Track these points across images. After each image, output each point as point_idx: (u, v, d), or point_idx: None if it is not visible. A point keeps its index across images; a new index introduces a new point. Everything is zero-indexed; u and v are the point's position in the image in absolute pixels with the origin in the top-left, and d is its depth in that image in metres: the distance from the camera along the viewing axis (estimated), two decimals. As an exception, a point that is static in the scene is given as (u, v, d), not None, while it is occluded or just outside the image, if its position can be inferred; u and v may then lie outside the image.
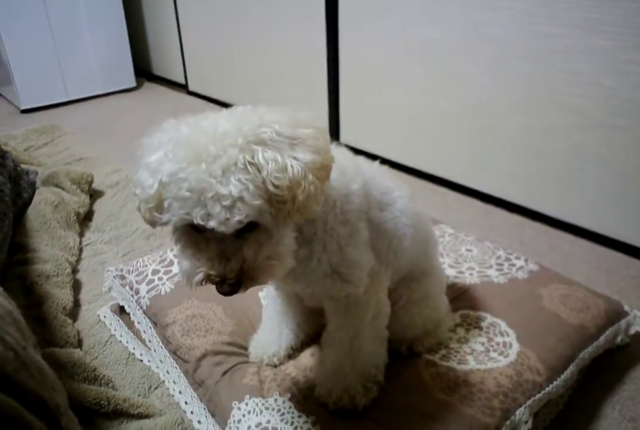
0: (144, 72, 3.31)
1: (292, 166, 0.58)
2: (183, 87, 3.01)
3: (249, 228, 0.60)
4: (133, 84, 3.07)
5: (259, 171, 0.57)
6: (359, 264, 0.77)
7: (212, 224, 0.57)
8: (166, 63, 3.13)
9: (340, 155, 0.73)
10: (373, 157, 1.92)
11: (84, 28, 2.80)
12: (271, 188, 0.57)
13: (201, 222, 0.57)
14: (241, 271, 0.60)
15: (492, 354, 0.92)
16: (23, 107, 2.71)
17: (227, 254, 0.60)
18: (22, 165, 1.66)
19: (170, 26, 2.88)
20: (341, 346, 0.84)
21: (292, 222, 0.64)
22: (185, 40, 2.83)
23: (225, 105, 2.62)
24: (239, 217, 0.56)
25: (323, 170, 0.62)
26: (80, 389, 0.90)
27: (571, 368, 0.91)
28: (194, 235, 0.62)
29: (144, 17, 3.12)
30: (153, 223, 0.64)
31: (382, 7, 1.71)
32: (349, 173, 0.76)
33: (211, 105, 2.73)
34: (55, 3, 2.66)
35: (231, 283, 0.60)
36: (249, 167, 0.56)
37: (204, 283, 0.62)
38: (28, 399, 0.44)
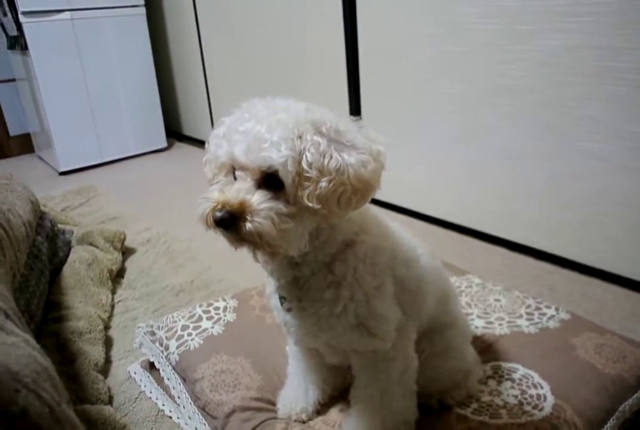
0: (174, 133, 3.46)
1: (331, 156, 0.63)
2: (211, 146, 3.13)
3: (271, 185, 0.64)
4: (164, 144, 3.21)
5: (300, 144, 0.63)
6: (387, 318, 0.77)
7: (242, 158, 0.64)
8: (195, 123, 3.28)
9: (374, 210, 0.77)
10: (396, 208, 1.96)
11: (119, 96, 2.98)
12: (304, 162, 0.63)
13: (238, 155, 0.64)
14: (242, 210, 0.63)
15: (525, 407, 0.89)
16: (61, 170, 2.85)
17: (240, 191, 0.65)
18: (59, 225, 1.73)
19: (199, 89, 3.04)
20: (370, 402, 0.83)
21: (310, 209, 0.65)
22: (213, 101, 2.97)
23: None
24: (266, 154, 0.62)
25: (363, 186, 0.65)
26: (110, 447, 0.90)
27: (611, 422, 0.87)
28: (230, 184, 0.68)
29: (174, 82, 3.30)
30: (212, 181, 0.72)
31: (400, 62, 1.79)
32: (381, 229, 0.79)
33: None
34: (94, 74, 2.85)
35: (228, 210, 0.63)
36: (295, 139, 0.63)
37: (208, 216, 0.65)
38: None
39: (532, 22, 1.40)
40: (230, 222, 0.64)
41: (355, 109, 2.01)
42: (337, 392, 0.97)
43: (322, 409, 0.95)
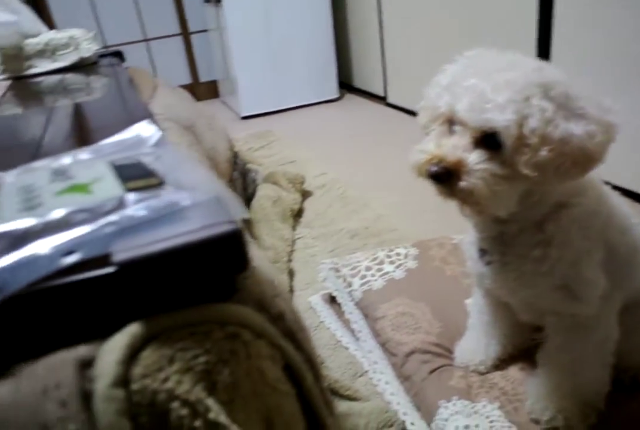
0: (346, 85, 3.51)
1: (557, 125, 0.60)
2: (382, 99, 3.13)
3: (488, 145, 0.63)
4: (336, 95, 3.28)
5: (526, 108, 0.60)
6: (593, 282, 0.74)
7: (464, 115, 0.63)
8: (367, 76, 3.28)
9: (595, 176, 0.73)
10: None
11: (298, 47, 3.07)
12: (527, 128, 0.60)
13: (459, 111, 0.64)
14: (458, 168, 0.64)
15: None
16: (243, 115, 3.06)
17: (457, 147, 0.65)
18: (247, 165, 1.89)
19: (373, 42, 3.02)
20: (561, 367, 0.81)
21: (523, 177, 0.63)
22: (387, 55, 2.94)
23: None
24: (490, 115, 0.61)
25: (585, 159, 0.61)
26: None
27: None
28: (445, 135, 0.68)
29: (349, 35, 3.32)
30: (426, 128, 0.73)
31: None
32: (597, 192, 0.74)
33: (409, 117, 2.79)
34: (277, 26, 2.97)
35: (444, 166, 0.64)
36: (521, 101, 0.60)
37: (421, 167, 0.67)
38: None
39: None
40: (444, 177, 0.64)
41: (543, 49, 1.83)
42: (517, 351, 0.96)
43: (500, 364, 0.95)
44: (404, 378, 0.96)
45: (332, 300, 1.21)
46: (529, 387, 0.87)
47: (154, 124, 0.60)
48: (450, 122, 0.68)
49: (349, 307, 1.13)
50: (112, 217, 0.37)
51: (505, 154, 0.63)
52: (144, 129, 0.58)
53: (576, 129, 0.60)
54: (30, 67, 1.33)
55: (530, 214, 0.72)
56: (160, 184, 0.42)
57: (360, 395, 0.97)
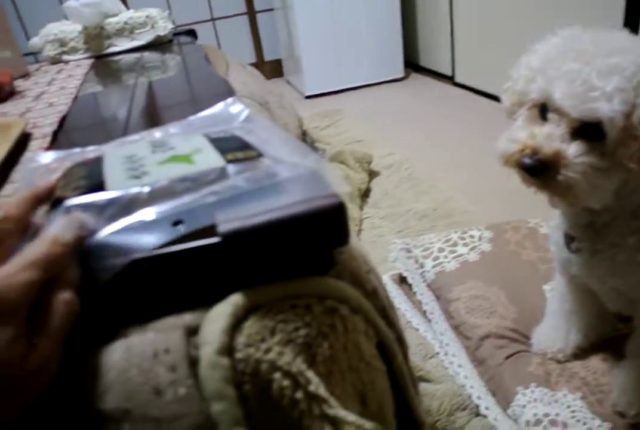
0: (411, 64, 3.42)
1: None
2: (449, 79, 3.03)
3: (587, 135, 0.59)
4: (401, 74, 3.20)
5: (635, 97, 0.55)
6: None
7: (563, 103, 0.58)
8: (434, 56, 3.18)
9: None
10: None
11: (363, 26, 3.01)
12: (635, 118, 0.55)
13: (558, 98, 0.58)
14: (555, 160, 0.59)
15: None
16: (307, 94, 3.05)
17: (553, 138, 0.60)
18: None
19: (443, 19, 2.92)
20: None
21: (623, 169, 0.59)
22: (456, 32, 2.84)
23: (491, 96, 2.56)
24: (595, 105, 0.56)
25: None
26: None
27: None
28: (535, 121, 0.64)
29: (416, 12, 3.22)
30: (511, 112, 0.69)
31: None
32: None
33: (476, 96, 2.69)
34: (342, 4, 2.91)
35: (539, 158, 0.60)
36: (631, 89, 0.55)
37: (511, 158, 0.63)
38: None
39: None
40: (539, 170, 0.60)
41: (632, 20, 1.70)
42: (599, 341, 0.92)
43: (580, 354, 0.91)
44: (478, 362, 0.94)
45: (401, 280, 1.20)
46: (614, 378, 0.83)
47: (240, 101, 0.60)
48: (542, 108, 0.64)
49: (420, 288, 1.11)
50: (215, 187, 0.37)
51: (607, 146, 0.58)
52: (231, 105, 0.58)
53: None
54: (110, 45, 1.37)
55: (626, 204, 0.67)
56: (258, 156, 0.41)
57: (432, 376, 0.96)
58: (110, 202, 0.37)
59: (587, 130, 0.59)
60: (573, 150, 0.59)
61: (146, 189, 0.37)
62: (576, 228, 0.74)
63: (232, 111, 0.57)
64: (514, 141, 0.64)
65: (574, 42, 0.61)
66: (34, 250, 0.31)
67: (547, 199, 0.67)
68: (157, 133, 0.53)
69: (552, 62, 0.60)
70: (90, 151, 0.48)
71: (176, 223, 0.35)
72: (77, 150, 0.49)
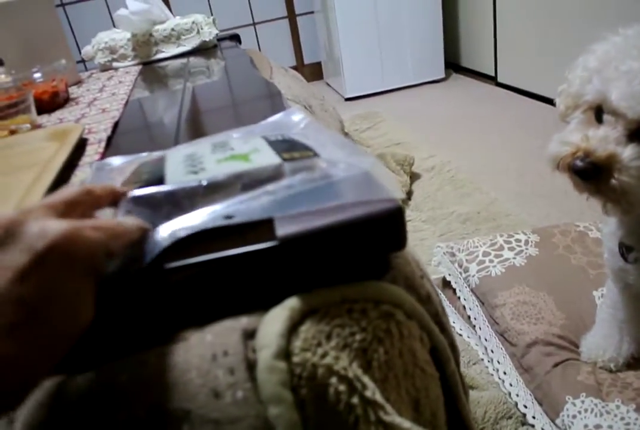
0: (451, 64, 3.38)
1: None
2: (491, 79, 2.98)
3: None
4: (442, 75, 3.17)
5: None
6: None
7: (620, 104, 0.56)
8: (476, 56, 3.14)
9: None
10: None
11: (405, 27, 3.00)
12: None
13: (615, 99, 0.56)
14: (609, 163, 0.57)
15: None
16: (347, 96, 3.05)
17: (608, 140, 0.58)
18: (355, 146, 1.88)
19: (485, 18, 2.87)
20: None
21: None
22: (499, 31, 2.79)
23: (534, 96, 2.50)
24: None
25: None
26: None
27: None
28: (590, 124, 0.62)
29: (458, 12, 3.18)
30: (564, 116, 0.67)
31: None
32: None
33: (519, 96, 2.64)
34: (384, 6, 2.91)
35: (592, 161, 0.57)
36: None
37: (563, 161, 0.61)
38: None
39: None
40: (592, 174, 0.58)
41: None
42: (655, 350, 0.89)
43: (634, 363, 0.88)
44: (524, 369, 0.91)
45: (444, 285, 1.18)
46: (670, 390, 0.80)
47: (303, 109, 0.60)
48: (598, 110, 0.61)
49: (464, 293, 1.10)
50: (270, 187, 0.38)
51: None
52: (292, 114, 0.59)
53: None
54: (157, 52, 1.40)
55: None
56: (314, 155, 0.42)
57: (476, 383, 0.95)
58: (168, 195, 0.38)
59: None
60: (628, 153, 0.57)
61: (203, 183, 0.38)
62: (633, 237, 0.71)
63: (294, 119, 0.58)
64: (566, 144, 0.62)
65: (634, 41, 0.59)
66: (102, 221, 0.34)
67: (599, 206, 0.65)
68: (220, 137, 0.54)
69: (610, 62, 0.58)
70: (156, 154, 0.50)
71: (227, 217, 0.36)
72: (144, 154, 0.51)
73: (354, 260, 0.38)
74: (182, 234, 0.35)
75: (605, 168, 0.58)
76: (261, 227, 0.37)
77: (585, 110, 0.64)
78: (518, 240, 1.14)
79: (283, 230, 0.35)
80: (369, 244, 0.37)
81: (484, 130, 2.22)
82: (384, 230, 0.36)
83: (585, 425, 0.77)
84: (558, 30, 2.27)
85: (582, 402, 0.81)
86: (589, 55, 0.64)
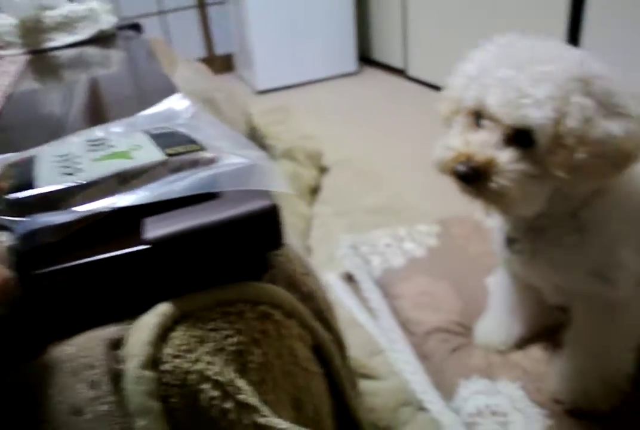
0: (364, 58, 3.43)
1: (595, 126, 0.56)
2: (401, 73, 3.06)
3: (519, 142, 0.59)
4: (354, 68, 3.21)
5: (565, 105, 0.56)
6: (629, 267, 0.71)
7: (496, 110, 0.58)
8: (387, 48, 3.21)
9: None
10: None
11: (316, 19, 3.01)
12: (564, 127, 0.56)
13: (491, 105, 0.59)
14: (488, 168, 0.60)
15: None
16: (258, 89, 3.02)
17: (487, 145, 0.60)
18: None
19: (395, 11, 2.94)
20: (586, 349, 0.80)
21: (555, 177, 0.60)
22: (409, 25, 2.86)
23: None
24: (527, 112, 0.56)
25: (623, 160, 0.58)
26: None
27: None
28: (472, 128, 0.64)
29: (370, 6, 3.23)
30: (448, 120, 0.69)
31: None
32: (633, 175, 0.71)
33: (429, 90, 2.73)
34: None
35: (472, 166, 0.60)
36: (561, 98, 0.56)
37: (447, 165, 0.63)
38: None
39: None
40: (473, 178, 0.61)
41: (572, 33, 1.76)
42: (542, 330, 0.95)
43: (523, 344, 0.95)
44: (424, 357, 0.95)
45: (349, 278, 1.21)
46: (552, 367, 0.86)
47: (186, 98, 0.59)
48: (477, 115, 0.64)
49: (367, 285, 1.12)
50: (152, 184, 0.37)
51: (538, 153, 0.59)
52: (176, 103, 0.57)
53: (615, 128, 0.56)
54: (48, 40, 1.31)
55: (560, 209, 0.69)
56: (200, 149, 0.41)
57: (377, 374, 0.97)
58: (38, 198, 0.36)
59: (520, 137, 0.59)
60: (505, 157, 0.60)
61: (77, 184, 0.36)
62: (516, 230, 0.76)
63: (177, 108, 0.56)
64: (449, 148, 0.64)
65: (509, 50, 0.62)
66: None
67: (482, 207, 0.68)
68: (97, 132, 0.51)
69: (487, 70, 0.61)
70: (26, 154, 0.47)
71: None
72: (11, 154, 0.47)
73: (230, 261, 0.37)
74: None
75: (484, 172, 0.60)
76: (135, 230, 0.35)
77: (466, 115, 0.66)
78: (419, 232, 1.19)
79: (153, 232, 0.34)
80: (243, 244, 0.36)
81: (394, 123, 2.28)
82: (258, 229, 0.36)
83: (476, 406, 0.82)
84: (467, 24, 2.37)
85: (474, 383, 0.86)
86: (467, 62, 0.66)
